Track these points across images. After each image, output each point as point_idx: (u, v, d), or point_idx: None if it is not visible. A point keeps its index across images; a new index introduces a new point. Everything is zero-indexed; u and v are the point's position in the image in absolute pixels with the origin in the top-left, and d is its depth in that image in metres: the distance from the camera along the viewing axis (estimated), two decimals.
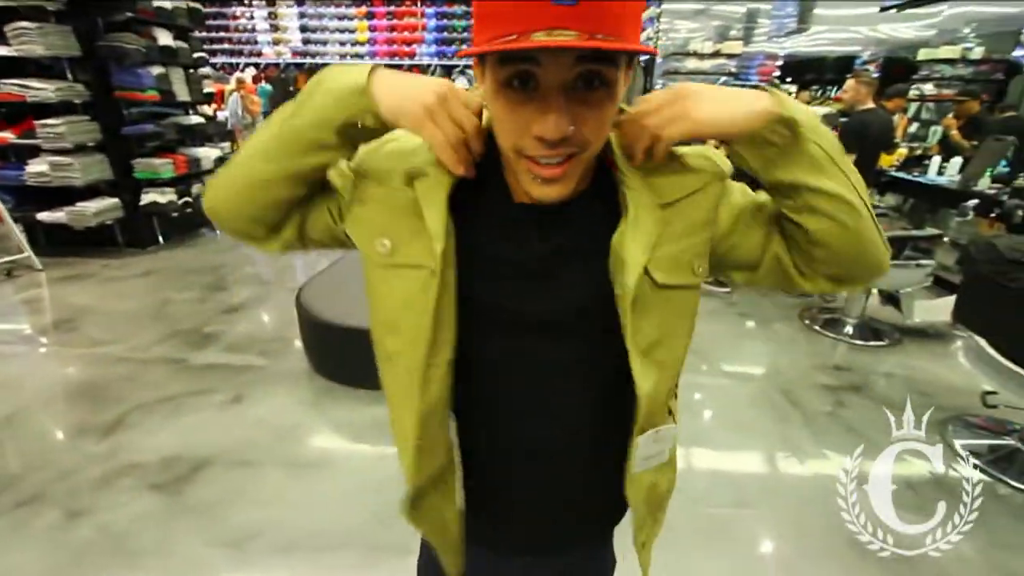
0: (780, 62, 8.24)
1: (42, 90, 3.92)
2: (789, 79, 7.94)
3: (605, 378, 0.63)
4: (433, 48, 9.86)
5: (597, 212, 0.58)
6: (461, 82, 9.58)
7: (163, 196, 4.60)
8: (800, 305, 3.73)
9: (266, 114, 9.31)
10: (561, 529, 0.73)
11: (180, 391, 2.59)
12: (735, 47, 6.75)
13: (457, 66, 9.78)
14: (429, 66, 9.82)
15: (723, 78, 6.93)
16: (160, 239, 4.88)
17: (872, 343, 3.20)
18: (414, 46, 9.85)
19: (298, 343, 2.89)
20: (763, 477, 2.10)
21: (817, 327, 3.37)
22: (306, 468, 2.10)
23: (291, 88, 9.97)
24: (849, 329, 3.29)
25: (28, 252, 4.15)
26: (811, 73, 7.75)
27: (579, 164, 0.53)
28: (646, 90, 6.74)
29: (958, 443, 2.25)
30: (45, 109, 4.06)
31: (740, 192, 0.64)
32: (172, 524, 1.81)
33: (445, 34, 9.83)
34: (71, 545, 1.72)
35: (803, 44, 7.96)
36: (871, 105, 3.35)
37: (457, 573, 0.74)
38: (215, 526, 1.80)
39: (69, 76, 4.14)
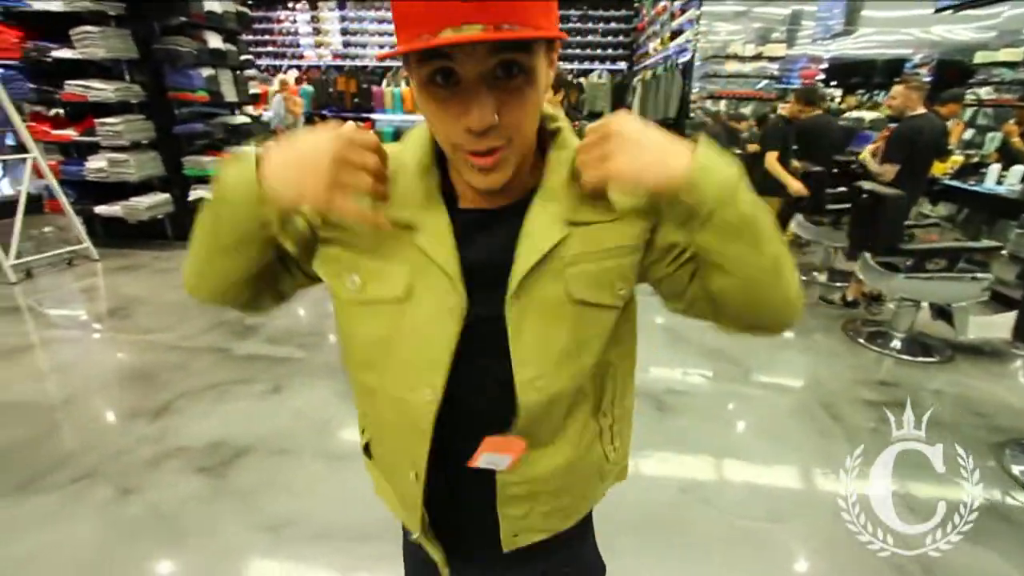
0: (824, 65, 8.00)
1: (102, 90, 4.14)
2: (834, 82, 7.69)
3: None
4: None
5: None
6: None
7: (209, 192, 4.78)
8: (843, 316, 3.60)
9: (307, 115, 9.60)
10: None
11: (224, 379, 2.69)
12: (778, 49, 6.58)
13: None
14: None
15: (764, 81, 6.77)
16: None
17: (921, 359, 3.06)
18: None
19: (333, 337, 2.96)
20: (799, 492, 2.04)
21: (861, 340, 3.25)
22: (340, 460, 2.15)
23: (330, 90, 10.24)
24: (896, 343, 3.16)
25: (87, 243, 4.39)
26: (858, 76, 7.49)
27: (512, 151, 0.53)
28: (684, 93, 6.64)
29: (1016, 468, 2.13)
30: (104, 108, 4.29)
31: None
32: (215, 507, 1.88)
33: None
34: (122, 521, 1.81)
35: (849, 47, 7.70)
36: (922, 111, 3.21)
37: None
38: (254, 511, 1.86)
39: (127, 77, 4.36)
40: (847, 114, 6.51)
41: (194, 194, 4.76)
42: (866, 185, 2.97)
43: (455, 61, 0.47)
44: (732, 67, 6.80)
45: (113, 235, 4.82)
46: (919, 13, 6.38)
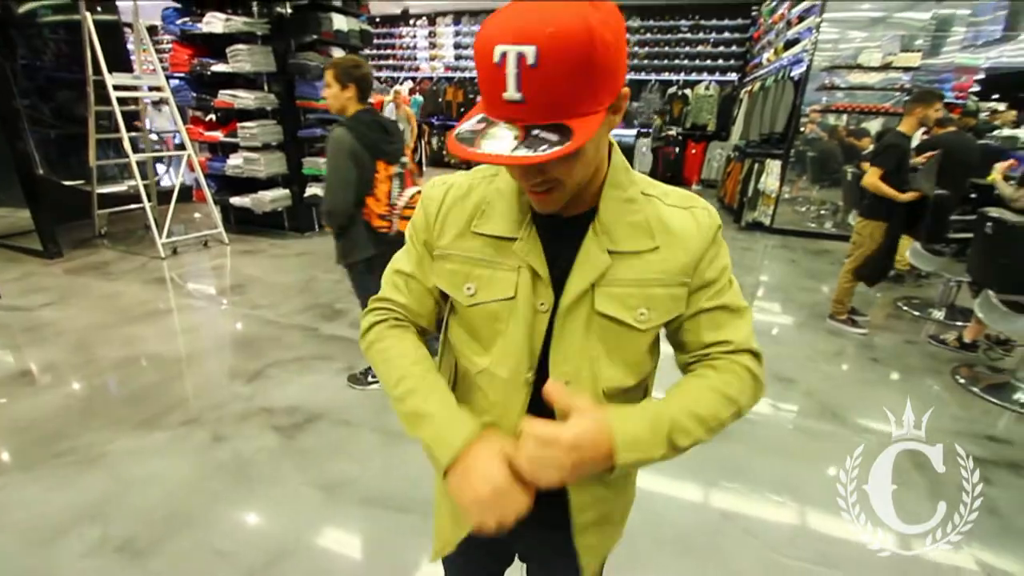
0: (980, 76, 6.99)
1: (246, 99, 4.84)
2: (995, 96, 6.70)
3: None
4: None
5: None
6: None
7: (322, 190, 5.37)
8: (957, 360, 3.15)
9: (418, 122, 10.30)
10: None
11: (309, 354, 3.03)
12: (911, 59, 5.87)
13: None
14: None
15: (896, 95, 6.08)
16: (316, 227, 5.69)
17: None
18: None
19: None
20: (860, 542, 1.84)
21: (976, 388, 2.83)
22: (395, 437, 2.33)
23: (439, 100, 10.91)
24: (1021, 396, 2.71)
25: (220, 228, 5.13)
26: None
27: (561, 192, 0.64)
28: (795, 107, 6.18)
29: None
30: (245, 114, 5.00)
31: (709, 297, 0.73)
32: (283, 461, 2.14)
33: None
34: (212, 462, 2.13)
35: (1010, 54, 6.67)
36: None
37: None
38: (314, 470, 2.09)
39: (265, 88, 5.05)
40: (996, 132, 5.64)
41: (309, 191, 5.36)
42: (992, 212, 2.60)
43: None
44: (856, 78, 6.18)
45: (241, 222, 5.58)
46: None
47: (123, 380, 2.74)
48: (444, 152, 11.18)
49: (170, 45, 5.39)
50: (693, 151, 9.70)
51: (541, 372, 0.72)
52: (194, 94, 5.17)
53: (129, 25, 5.48)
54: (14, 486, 1.98)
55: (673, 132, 9.53)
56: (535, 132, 0.54)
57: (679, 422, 0.65)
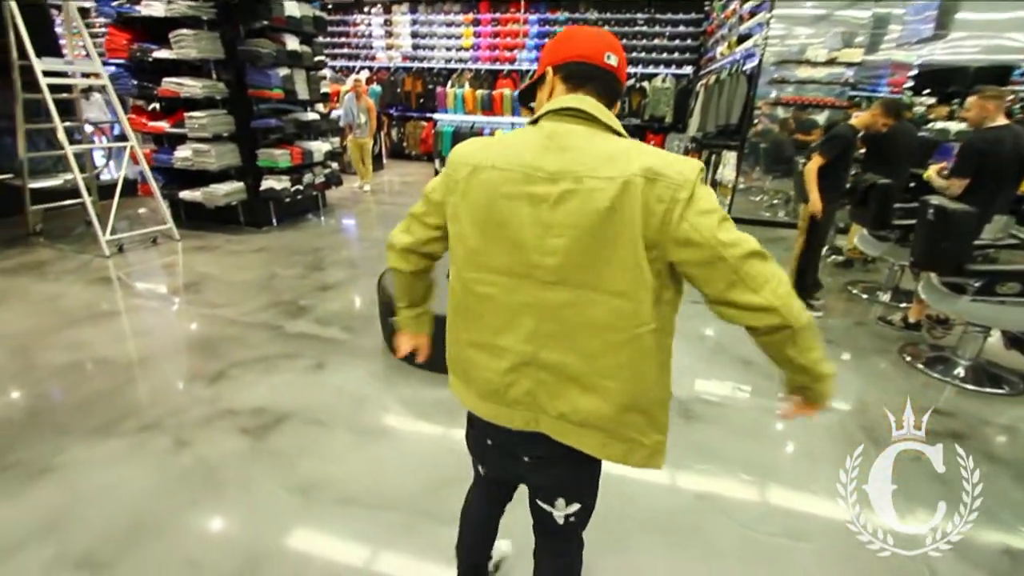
0: (914, 72, 7.44)
1: (192, 87, 4.58)
2: (926, 91, 7.13)
3: None
4: (533, 54, 10.07)
5: None
6: None
7: (279, 183, 5.16)
8: (902, 339, 3.37)
9: (377, 113, 10.05)
10: None
11: (274, 353, 2.92)
12: (854, 55, 6.19)
13: None
14: (528, 71, 10.04)
15: (839, 88, 6.40)
16: (274, 221, 5.47)
17: (988, 389, 2.82)
18: (515, 51, 10.12)
19: (377, 322, 3.13)
20: (823, 513, 1.95)
21: (920, 364, 3.04)
22: (370, 435, 2.28)
23: (398, 90, 10.67)
24: (960, 371, 2.92)
25: (170, 224, 4.86)
26: (954, 84, 6.90)
27: None
28: (748, 99, 6.40)
29: None
30: (193, 103, 4.73)
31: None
32: (254, 465, 2.06)
33: (546, 40, 9.99)
34: (175, 469, 2.03)
35: (941, 52, 7.11)
36: (1002, 121, 2.96)
37: None
38: (288, 471, 2.02)
39: (214, 75, 4.79)
40: (931, 125, 6.03)
41: (265, 184, 5.15)
42: (933, 199, 2.77)
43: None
44: (804, 72, 6.46)
45: (193, 218, 5.30)
46: None
47: (70, 387, 2.56)
48: (404, 144, 10.97)
49: (105, 29, 5.03)
50: (652, 142, 9.91)
51: None
52: (135, 82, 4.85)
53: (57, 7, 5.07)
54: None
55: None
56: None
57: None
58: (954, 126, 5.78)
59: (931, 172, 3.45)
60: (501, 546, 1.58)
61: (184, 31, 4.44)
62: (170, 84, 4.62)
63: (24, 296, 3.58)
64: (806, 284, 3.77)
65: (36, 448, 2.10)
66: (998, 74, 6.33)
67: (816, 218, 3.49)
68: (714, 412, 2.54)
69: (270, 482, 1.97)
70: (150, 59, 4.62)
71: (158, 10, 4.36)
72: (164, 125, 4.91)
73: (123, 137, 4.70)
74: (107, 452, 2.10)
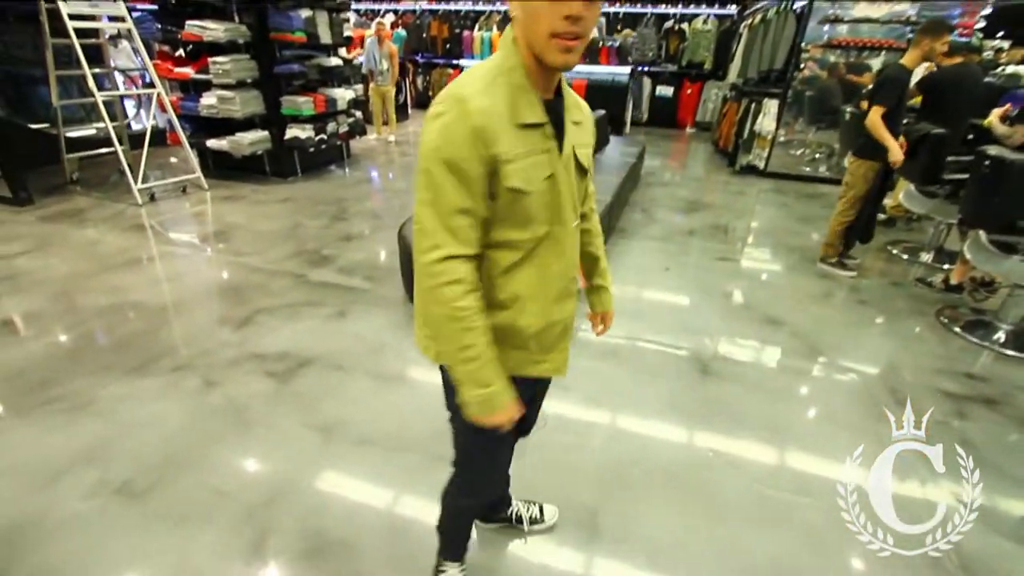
0: (987, 10, 6.71)
1: (215, 30, 4.51)
2: (1000, 33, 6.45)
3: None
4: None
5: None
6: None
7: (303, 132, 5.14)
8: (941, 302, 3.21)
9: (401, 60, 9.78)
10: None
11: (298, 300, 2.99)
12: None
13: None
14: None
15: (900, 28, 5.85)
16: (299, 171, 5.49)
17: None
18: None
19: (398, 274, 3.16)
20: (836, 472, 1.93)
21: (957, 328, 2.90)
22: (388, 380, 2.34)
23: (424, 35, 10.32)
24: (1001, 335, 2.78)
25: (198, 173, 4.93)
26: None
27: (582, 43, 0.82)
28: (795, 42, 5.93)
29: None
30: (216, 48, 4.68)
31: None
32: (278, 405, 2.15)
33: None
34: (205, 407, 2.14)
35: None
36: None
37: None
38: (310, 412, 2.11)
39: (236, 18, 4.70)
40: (1000, 69, 5.48)
41: (289, 133, 5.13)
42: (991, 150, 2.55)
43: None
44: (861, 11, 5.91)
45: (220, 167, 5.36)
46: None
47: (108, 328, 2.70)
48: (430, 92, 10.70)
49: None
50: (688, 91, 9.39)
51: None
52: (158, 25, 4.81)
53: None
54: (8, 432, 1.98)
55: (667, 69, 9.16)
56: None
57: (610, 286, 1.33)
58: None
59: (993, 118, 3.16)
60: (548, 511, 1.65)
61: None
62: (193, 27, 4.56)
63: (64, 242, 3.74)
64: (863, 234, 3.55)
65: (79, 383, 2.24)
66: None
67: (894, 167, 3.19)
68: (735, 369, 2.50)
69: (292, 422, 2.06)
70: (173, 1, 4.55)
71: None
72: (189, 71, 4.89)
73: (151, 84, 4.71)
74: (143, 389, 2.23)
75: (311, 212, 4.50)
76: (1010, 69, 5.41)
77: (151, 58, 4.84)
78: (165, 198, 4.74)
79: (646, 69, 9.27)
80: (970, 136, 4.11)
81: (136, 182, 4.46)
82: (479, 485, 1.28)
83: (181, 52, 5.11)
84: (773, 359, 2.64)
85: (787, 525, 1.70)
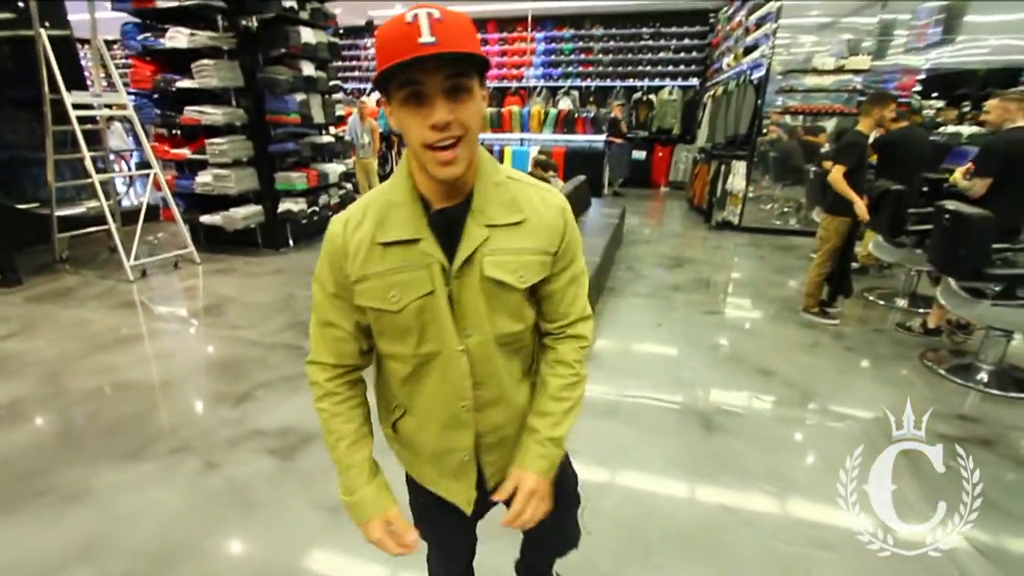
0: (922, 76, 7.43)
1: (213, 115, 4.73)
2: (935, 94, 7.12)
3: None
4: (541, 71, 10.23)
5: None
6: (565, 103, 9.82)
7: (296, 205, 5.28)
8: (923, 345, 3.34)
9: (386, 134, 10.20)
10: None
11: (296, 373, 2.97)
12: (862, 62, 6.20)
13: (562, 87, 10.06)
14: (536, 87, 10.18)
15: (847, 95, 6.41)
16: (291, 242, 5.59)
17: (1013, 394, 2.78)
18: (523, 69, 10.28)
19: None
20: (848, 523, 1.93)
21: (942, 370, 3.00)
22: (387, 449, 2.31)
23: None
24: (983, 376, 2.89)
25: (191, 248, 4.98)
26: (964, 88, 6.89)
27: (465, 147, 0.74)
28: (757, 109, 6.44)
29: None
30: (213, 130, 4.88)
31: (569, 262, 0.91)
32: (283, 484, 2.10)
33: (552, 57, 10.16)
34: (205, 491, 2.07)
35: (949, 56, 7.10)
36: (1021, 123, 2.96)
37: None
38: (316, 490, 2.06)
39: (233, 103, 4.95)
40: (942, 129, 6.01)
41: (283, 206, 5.26)
42: (949, 205, 2.77)
43: (423, 84, 0.70)
44: (812, 81, 6.49)
45: (212, 241, 5.43)
46: None
47: (100, 411, 2.63)
48: None
49: (127, 60, 5.22)
50: (660, 154, 9.96)
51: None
52: (157, 111, 5.01)
53: (82, 41, 5.29)
54: None
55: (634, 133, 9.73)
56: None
57: (553, 435, 0.92)
58: (966, 129, 5.76)
59: (957, 175, 3.45)
60: None
61: (206, 62, 4.59)
62: (192, 112, 4.77)
63: (53, 323, 3.69)
64: (843, 288, 3.76)
65: (70, 472, 2.16)
66: (1008, 76, 6.32)
67: (860, 221, 3.46)
68: (734, 422, 2.54)
69: (298, 501, 2.01)
70: (173, 89, 4.78)
71: (181, 42, 4.52)
72: (186, 152, 5.06)
73: (146, 164, 4.85)
74: (139, 475, 2.15)
75: (304, 282, 4.54)
76: (951, 129, 5.93)
77: (148, 140, 5.00)
78: (156, 273, 4.75)
79: (630, 136, 9.76)
80: (924, 188, 4.46)
81: (128, 259, 4.48)
82: (433, 570, 1.24)
83: (177, 133, 5.29)
84: (771, 410, 2.69)
85: None
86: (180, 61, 4.72)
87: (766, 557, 1.77)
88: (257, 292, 4.31)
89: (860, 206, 3.34)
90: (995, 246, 2.76)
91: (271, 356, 3.18)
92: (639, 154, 9.92)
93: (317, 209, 5.55)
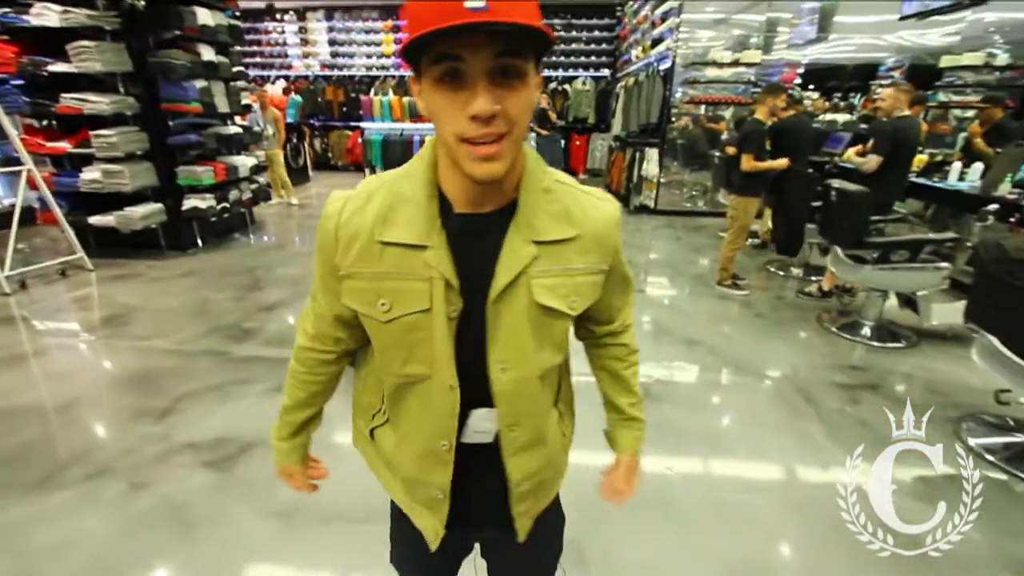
0: (801, 69, 8.29)
1: (98, 103, 4.22)
2: (811, 86, 7.98)
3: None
4: None
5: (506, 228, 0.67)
6: None
7: (203, 202, 4.87)
8: (818, 308, 3.78)
9: (296, 124, 9.63)
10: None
11: (225, 380, 2.78)
12: (754, 56, 6.80)
13: None
14: None
15: (742, 87, 6.99)
16: (199, 242, 5.15)
17: (890, 344, 3.24)
18: None
19: None
20: (776, 467, 2.18)
21: (834, 329, 3.43)
22: (342, 452, 2.24)
23: (319, 99, 10.34)
24: (867, 331, 3.34)
25: (80, 253, 4.44)
26: (833, 80, 7.78)
27: (510, 144, 0.58)
28: (665, 99, 6.85)
29: (972, 441, 2.30)
30: (98, 120, 4.36)
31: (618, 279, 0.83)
32: (224, 496, 1.97)
33: None
34: (136, 513, 1.90)
35: (823, 52, 7.98)
36: (907, 112, 3.46)
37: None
38: (263, 499, 1.96)
39: (121, 90, 4.44)
40: (820, 117, 6.76)
41: (188, 203, 4.84)
42: (835, 183, 3.15)
43: (464, 62, 0.54)
44: (712, 73, 7.01)
45: (106, 245, 4.87)
46: (889, 18, 6.66)
47: None
48: (329, 154, 10.63)
49: None
50: (577, 143, 10.28)
51: (464, 372, 0.72)
52: (26, 99, 4.38)
53: None
54: None
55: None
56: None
57: (642, 416, 1.00)
58: (840, 117, 6.52)
59: (850, 153, 3.93)
60: None
61: (85, 43, 4.08)
62: (71, 100, 4.22)
63: None
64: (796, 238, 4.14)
65: None
66: (867, 71, 7.23)
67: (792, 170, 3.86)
68: (668, 390, 2.74)
69: (245, 512, 1.90)
70: (44, 73, 4.20)
71: (52, 20, 3.97)
72: (66, 145, 4.47)
73: (14, 160, 4.23)
74: (54, 505, 1.93)
75: (219, 284, 4.22)
76: (828, 117, 6.69)
77: (16, 132, 4.36)
78: (39, 284, 4.18)
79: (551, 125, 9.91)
80: (810, 170, 5.02)
81: (3, 269, 3.91)
82: None
83: (53, 124, 4.67)
84: (700, 376, 2.93)
85: (748, 523, 1.88)
86: (52, 42, 4.15)
87: (709, 506, 1.96)
88: (166, 298, 3.94)
89: (782, 163, 3.75)
90: (872, 218, 3.18)
91: (192, 365, 2.95)
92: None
93: (228, 205, 5.16)
